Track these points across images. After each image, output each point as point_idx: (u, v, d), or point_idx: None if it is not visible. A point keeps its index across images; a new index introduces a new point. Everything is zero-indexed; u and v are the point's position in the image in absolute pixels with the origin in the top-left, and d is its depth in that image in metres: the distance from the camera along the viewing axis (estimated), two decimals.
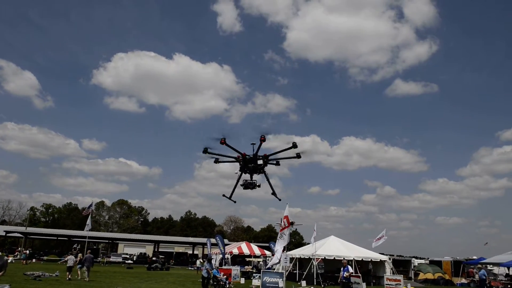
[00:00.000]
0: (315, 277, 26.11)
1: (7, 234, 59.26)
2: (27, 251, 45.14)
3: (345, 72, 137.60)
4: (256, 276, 25.44)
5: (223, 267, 30.10)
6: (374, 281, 28.70)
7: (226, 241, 44.73)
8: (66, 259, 25.41)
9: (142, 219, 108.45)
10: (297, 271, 28.77)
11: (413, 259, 40.27)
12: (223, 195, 17.26)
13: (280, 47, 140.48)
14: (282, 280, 22.72)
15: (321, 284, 25.21)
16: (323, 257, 28.11)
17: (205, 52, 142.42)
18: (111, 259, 51.35)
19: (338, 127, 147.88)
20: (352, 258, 27.57)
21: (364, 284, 22.26)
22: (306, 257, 28.87)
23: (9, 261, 20.52)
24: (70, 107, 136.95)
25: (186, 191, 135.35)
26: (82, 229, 37.56)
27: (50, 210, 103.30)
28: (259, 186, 16.83)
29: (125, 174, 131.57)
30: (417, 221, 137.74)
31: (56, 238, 68.50)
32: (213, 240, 39.11)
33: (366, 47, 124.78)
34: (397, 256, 50.33)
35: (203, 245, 61.27)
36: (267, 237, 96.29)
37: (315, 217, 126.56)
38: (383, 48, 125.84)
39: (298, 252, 31.15)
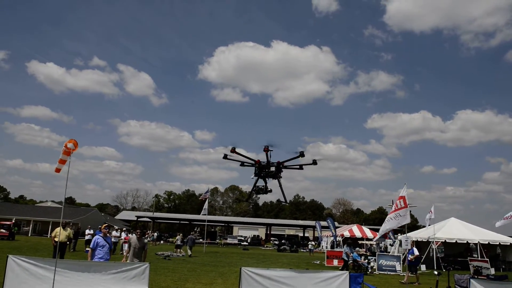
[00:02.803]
0: (434, 261, 24.74)
1: (138, 219, 66.88)
2: (155, 234, 50.10)
3: (456, 40, 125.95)
4: (372, 258, 25.01)
5: (335, 249, 30.10)
6: (503, 266, 26.21)
7: (336, 223, 44.43)
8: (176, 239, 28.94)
9: (253, 204, 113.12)
10: None
11: None
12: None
13: (380, 21, 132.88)
14: (399, 263, 22.08)
15: (443, 269, 23.83)
16: (444, 240, 26.47)
17: (302, 35, 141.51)
18: (227, 241, 54.68)
19: (451, 100, 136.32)
20: (477, 241, 25.52)
21: (492, 269, 20.55)
22: (423, 240, 27.46)
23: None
24: (181, 101, 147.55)
25: (292, 176, 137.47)
26: (200, 213, 40.39)
27: (171, 197, 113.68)
28: (270, 191, 18.08)
29: (234, 162, 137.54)
30: None
31: (178, 222, 75.15)
32: (323, 223, 39.28)
33: (479, 9, 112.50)
34: None
35: (313, 228, 61.86)
36: (378, 219, 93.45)
37: (430, 198, 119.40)
38: (500, 8, 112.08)
39: (414, 235, 29.73)
